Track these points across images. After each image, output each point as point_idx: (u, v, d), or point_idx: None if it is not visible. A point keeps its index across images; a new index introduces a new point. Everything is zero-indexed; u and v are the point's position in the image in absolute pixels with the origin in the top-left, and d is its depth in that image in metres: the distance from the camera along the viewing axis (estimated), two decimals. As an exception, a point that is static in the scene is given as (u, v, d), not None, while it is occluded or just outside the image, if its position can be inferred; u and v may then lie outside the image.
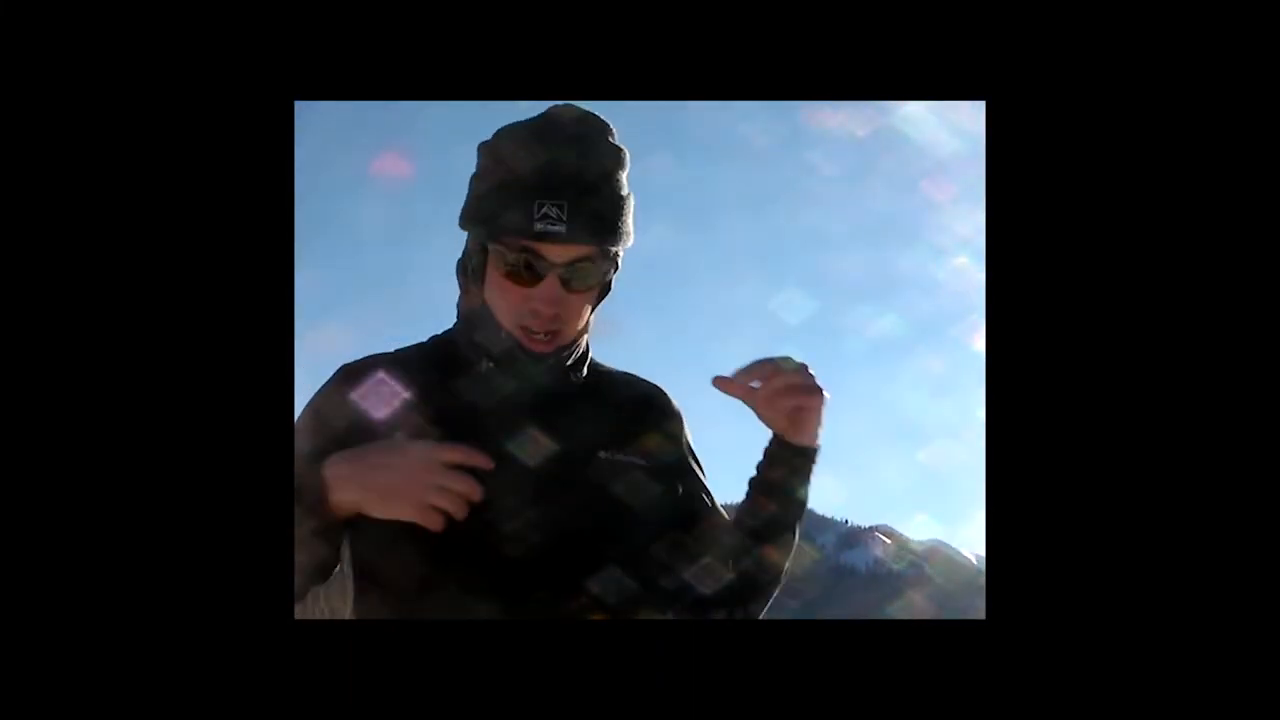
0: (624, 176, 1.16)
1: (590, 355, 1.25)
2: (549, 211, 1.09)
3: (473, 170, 1.19)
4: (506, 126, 1.16)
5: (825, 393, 1.15)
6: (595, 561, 1.13)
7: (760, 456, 1.21)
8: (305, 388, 1.18)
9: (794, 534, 1.23)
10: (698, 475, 1.28)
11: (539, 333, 1.14)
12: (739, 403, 1.17)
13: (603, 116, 1.17)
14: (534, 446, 1.14)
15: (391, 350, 1.24)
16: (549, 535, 1.12)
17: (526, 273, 1.11)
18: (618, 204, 1.14)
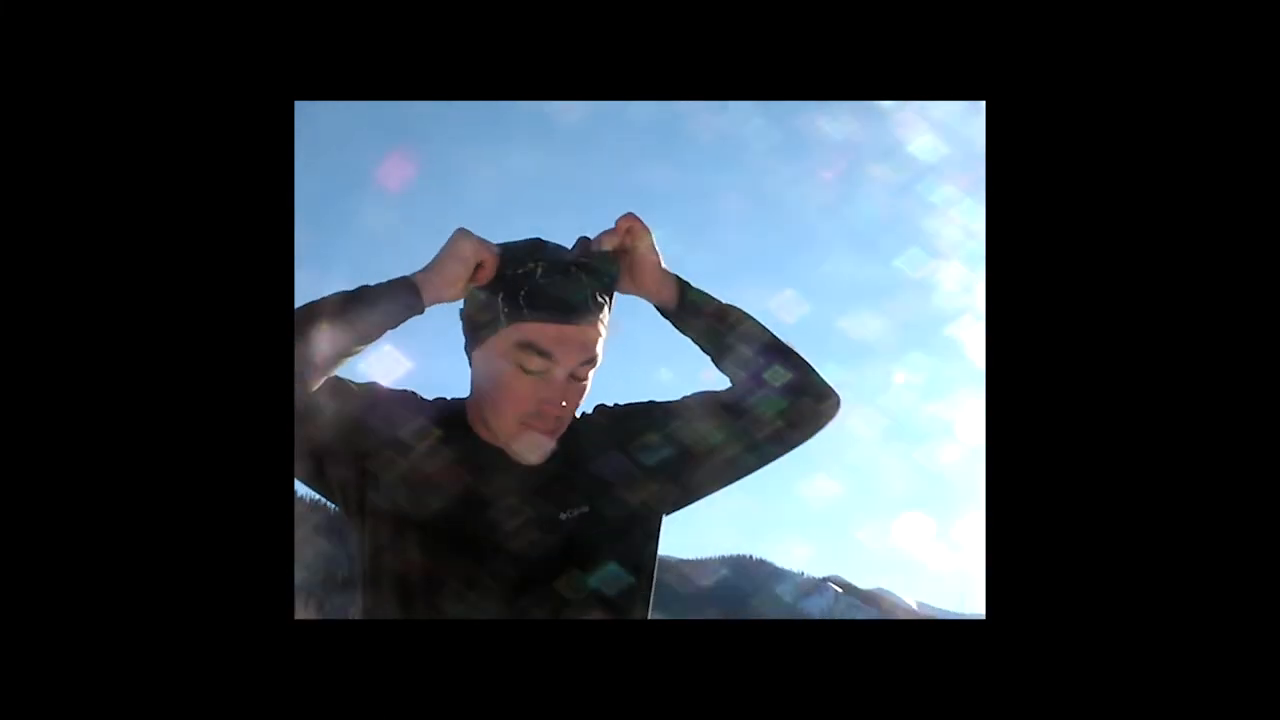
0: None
1: None
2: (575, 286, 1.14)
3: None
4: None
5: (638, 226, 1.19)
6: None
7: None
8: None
9: (749, 326, 1.27)
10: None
11: (549, 425, 1.16)
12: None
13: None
14: (511, 524, 1.18)
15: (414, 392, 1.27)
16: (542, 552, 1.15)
17: (537, 373, 1.14)
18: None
